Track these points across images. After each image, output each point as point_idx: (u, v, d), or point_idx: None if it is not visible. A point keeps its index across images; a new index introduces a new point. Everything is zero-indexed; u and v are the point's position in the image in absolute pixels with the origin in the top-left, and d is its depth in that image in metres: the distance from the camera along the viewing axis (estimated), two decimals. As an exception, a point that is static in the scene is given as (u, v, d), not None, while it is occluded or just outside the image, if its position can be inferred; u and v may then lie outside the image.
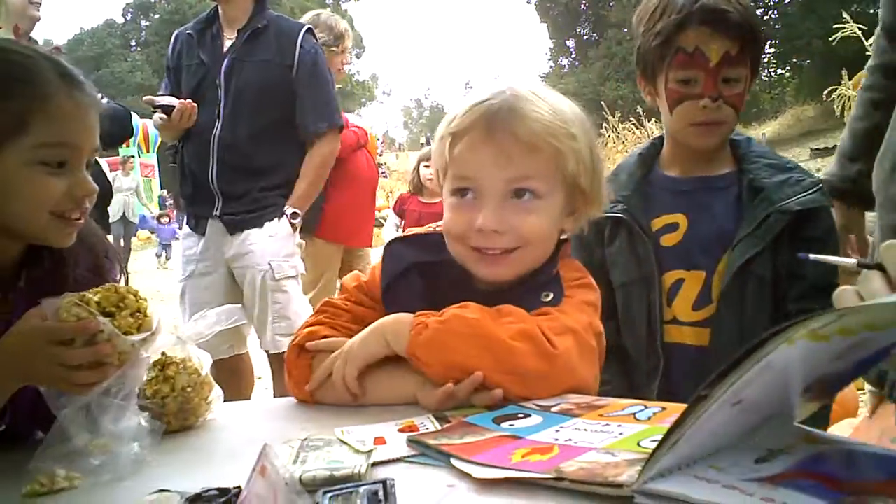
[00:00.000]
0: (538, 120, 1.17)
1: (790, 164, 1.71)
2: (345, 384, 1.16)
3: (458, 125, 1.20)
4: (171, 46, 3.23)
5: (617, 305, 1.74)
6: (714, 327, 1.63)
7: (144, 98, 3.06)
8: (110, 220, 11.26)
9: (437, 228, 1.33)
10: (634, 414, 0.95)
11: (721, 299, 1.63)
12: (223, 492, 0.81)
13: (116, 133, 3.21)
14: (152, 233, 19.30)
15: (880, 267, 0.82)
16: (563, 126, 1.19)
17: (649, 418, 0.93)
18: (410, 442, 0.94)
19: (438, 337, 1.10)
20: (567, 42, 47.10)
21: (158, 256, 16.05)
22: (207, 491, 0.81)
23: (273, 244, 3.03)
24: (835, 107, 6.27)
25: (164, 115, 2.96)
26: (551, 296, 1.21)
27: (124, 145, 8.14)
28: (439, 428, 1.01)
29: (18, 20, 3.01)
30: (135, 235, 16.67)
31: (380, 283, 1.31)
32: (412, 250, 1.31)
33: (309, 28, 3.15)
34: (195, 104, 2.97)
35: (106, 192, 3.28)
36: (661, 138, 1.82)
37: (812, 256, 1.12)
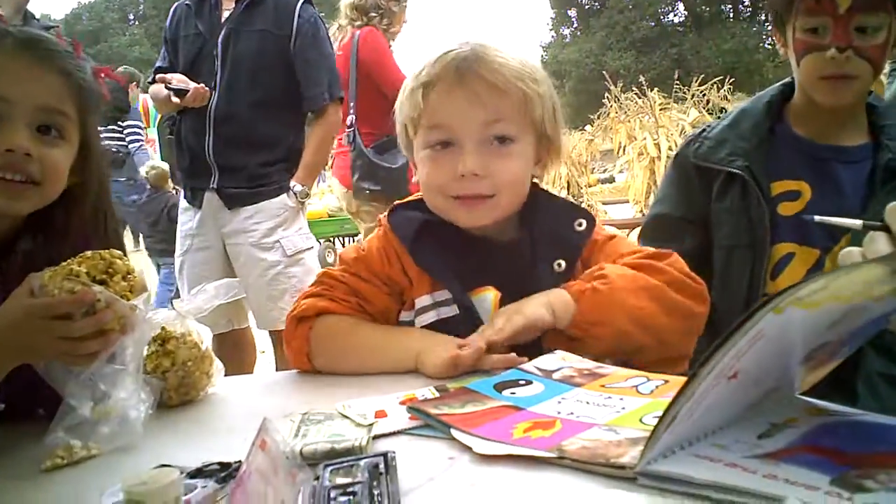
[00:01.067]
0: (504, 65, 1.21)
1: None
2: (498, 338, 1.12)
3: (428, 74, 1.22)
4: (169, 18, 3.19)
5: (714, 263, 1.62)
6: None
7: (158, 76, 3.02)
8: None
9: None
10: (637, 387, 0.94)
11: (810, 275, 1.47)
12: (224, 466, 0.81)
13: (110, 107, 3.18)
14: None
15: (885, 228, 0.81)
16: (529, 71, 1.23)
17: (651, 392, 0.92)
18: (411, 410, 0.94)
19: (611, 298, 1.12)
20: (568, 11, 46.68)
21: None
22: (208, 465, 0.81)
23: (280, 222, 3.01)
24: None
25: (177, 99, 2.94)
26: (584, 223, 1.25)
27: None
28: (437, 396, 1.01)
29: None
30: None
31: (383, 259, 1.30)
32: (417, 212, 1.30)
33: None
34: (207, 89, 2.94)
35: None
36: (791, 85, 1.62)
37: (817, 218, 1.09)
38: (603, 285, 1.13)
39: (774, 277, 1.55)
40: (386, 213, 1.34)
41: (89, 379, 1.01)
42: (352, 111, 3.73)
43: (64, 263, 1.02)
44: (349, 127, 3.71)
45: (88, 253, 1.05)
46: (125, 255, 1.08)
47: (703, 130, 1.71)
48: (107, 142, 7.09)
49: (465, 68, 1.20)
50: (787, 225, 1.55)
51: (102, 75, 1.24)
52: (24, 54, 1.09)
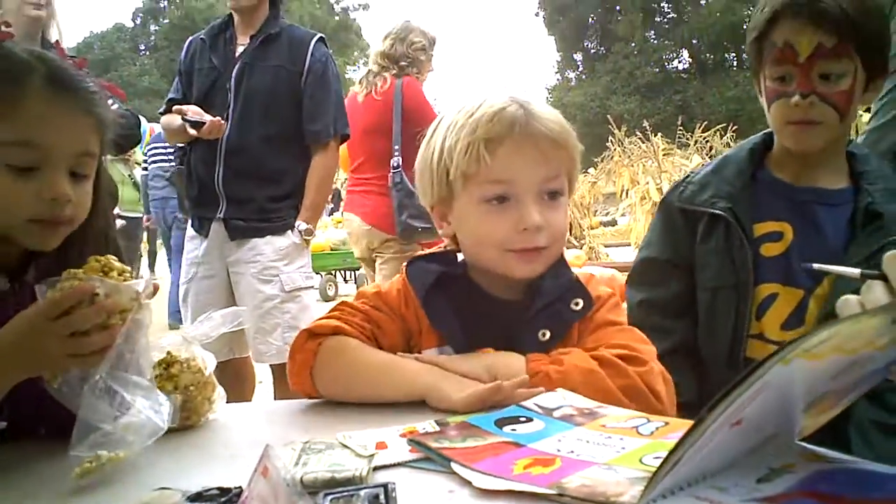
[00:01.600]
0: (555, 121, 1.25)
1: None
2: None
3: (491, 130, 1.22)
4: (183, 51, 3.25)
5: (698, 305, 1.65)
6: None
7: (175, 108, 3.06)
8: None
9: (446, 247, 1.38)
10: (637, 427, 0.94)
11: (817, 325, 1.45)
12: (224, 491, 0.81)
13: (124, 138, 3.21)
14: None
15: (883, 276, 0.82)
16: (568, 125, 1.28)
17: (652, 433, 0.92)
18: (412, 443, 0.94)
19: (557, 385, 1.11)
20: (574, 55, 47.26)
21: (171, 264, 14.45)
22: (208, 490, 0.82)
23: (282, 257, 3.04)
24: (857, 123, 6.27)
25: (193, 130, 2.97)
26: (581, 304, 1.26)
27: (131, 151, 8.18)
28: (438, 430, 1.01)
29: (12, 19, 2.98)
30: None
31: (401, 300, 1.32)
32: (434, 265, 1.32)
33: (321, 37, 3.17)
34: (224, 122, 2.98)
35: (112, 194, 3.27)
36: (772, 134, 1.66)
37: (815, 266, 1.10)
38: (556, 374, 1.13)
39: (759, 318, 1.57)
40: (406, 264, 1.36)
41: (106, 391, 1.01)
42: (397, 153, 3.80)
43: (66, 271, 1.03)
44: (395, 168, 3.78)
45: (88, 259, 1.06)
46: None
47: (688, 176, 1.76)
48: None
49: (527, 125, 1.22)
50: (770, 265, 1.58)
51: (111, 98, 1.25)
52: (56, 95, 1.10)
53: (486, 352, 1.22)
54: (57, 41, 3.01)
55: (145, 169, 8.46)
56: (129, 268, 1.08)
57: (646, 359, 1.18)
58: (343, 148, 4.11)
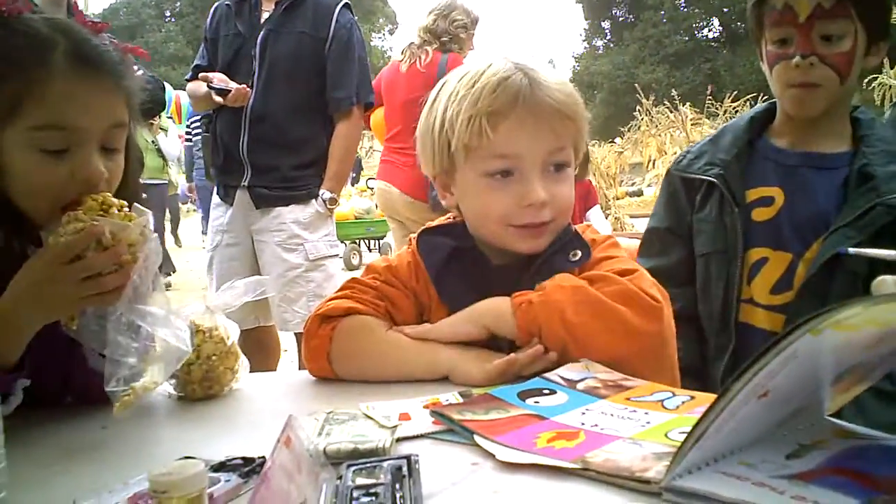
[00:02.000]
0: (561, 90, 1.21)
1: None
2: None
3: (493, 104, 1.17)
4: (209, 17, 3.23)
5: (696, 273, 1.67)
6: (790, 315, 1.52)
7: (200, 75, 3.06)
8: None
9: (455, 218, 1.34)
10: (662, 402, 0.93)
11: (803, 288, 1.52)
12: (247, 461, 0.81)
13: (149, 105, 3.21)
14: (183, 204, 18.71)
15: None
16: (575, 95, 1.24)
17: (677, 407, 0.91)
18: (434, 415, 0.94)
19: (547, 309, 1.10)
20: (602, 23, 46.69)
21: (205, 233, 13.61)
22: (231, 459, 0.82)
23: (306, 226, 3.04)
24: (875, 95, 6.15)
25: (219, 98, 2.97)
26: (579, 254, 1.23)
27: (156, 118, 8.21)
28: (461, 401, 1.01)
29: None
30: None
31: (412, 273, 1.30)
32: (446, 238, 1.30)
33: (346, 3, 3.13)
34: (249, 89, 2.97)
35: (140, 160, 3.28)
36: (776, 102, 1.68)
37: (852, 250, 1.09)
38: (539, 298, 1.12)
39: (750, 281, 1.60)
40: (416, 235, 1.33)
41: (128, 326, 1.03)
42: None
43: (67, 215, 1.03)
44: None
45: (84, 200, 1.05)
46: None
47: (690, 146, 1.81)
48: None
49: (531, 97, 1.18)
50: (760, 230, 1.60)
51: (135, 61, 1.22)
52: (82, 71, 1.06)
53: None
54: (75, 4, 2.99)
55: (189, 139, 8.56)
56: (125, 202, 1.07)
57: (635, 268, 1.19)
58: (379, 116, 4.15)
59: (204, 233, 11.13)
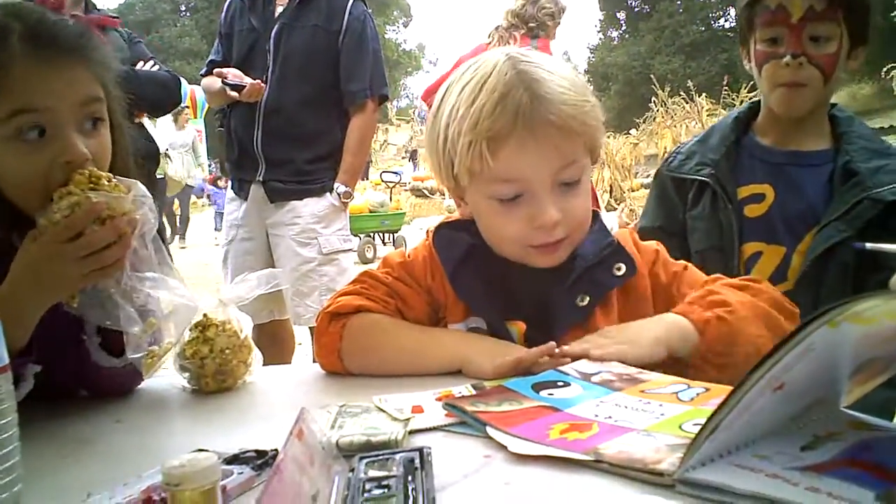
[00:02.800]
0: (566, 102, 1.13)
1: (892, 150, 1.64)
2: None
3: (493, 126, 1.11)
4: (223, 12, 3.24)
5: None
6: None
7: (215, 71, 3.07)
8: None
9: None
10: (677, 393, 0.93)
11: (798, 280, 1.58)
12: (260, 454, 0.81)
13: (164, 100, 3.22)
14: (198, 198, 18.56)
15: None
16: (586, 99, 1.16)
17: (692, 399, 0.90)
18: (447, 407, 0.93)
19: (735, 328, 1.10)
20: (617, 14, 46.38)
21: (218, 230, 11.53)
22: (245, 452, 0.82)
23: (320, 220, 3.04)
24: (893, 85, 6.09)
25: (234, 93, 2.98)
26: (623, 268, 1.21)
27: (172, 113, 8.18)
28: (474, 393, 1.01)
29: None
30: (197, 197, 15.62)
31: (427, 270, 1.27)
32: (464, 234, 1.26)
33: None
34: (263, 85, 2.98)
35: (152, 154, 3.30)
36: (759, 102, 1.76)
37: (868, 246, 1.11)
38: (728, 314, 1.10)
39: (746, 275, 1.60)
40: (433, 229, 1.31)
41: (127, 294, 1.05)
42: None
43: (56, 193, 1.02)
44: None
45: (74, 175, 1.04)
46: None
47: (678, 147, 1.88)
48: None
49: (531, 116, 1.11)
50: (753, 226, 1.67)
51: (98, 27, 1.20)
52: (41, 53, 1.04)
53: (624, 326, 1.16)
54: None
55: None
56: (111, 175, 1.06)
57: (755, 278, 1.25)
58: None
59: (217, 229, 10.95)
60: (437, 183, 1.33)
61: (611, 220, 5.16)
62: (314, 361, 1.32)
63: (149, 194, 1.08)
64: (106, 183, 1.04)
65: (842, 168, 1.60)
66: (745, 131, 1.75)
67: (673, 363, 1.09)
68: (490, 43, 4.11)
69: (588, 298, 1.19)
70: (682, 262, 1.31)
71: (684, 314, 1.12)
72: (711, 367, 1.08)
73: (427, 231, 1.33)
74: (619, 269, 1.21)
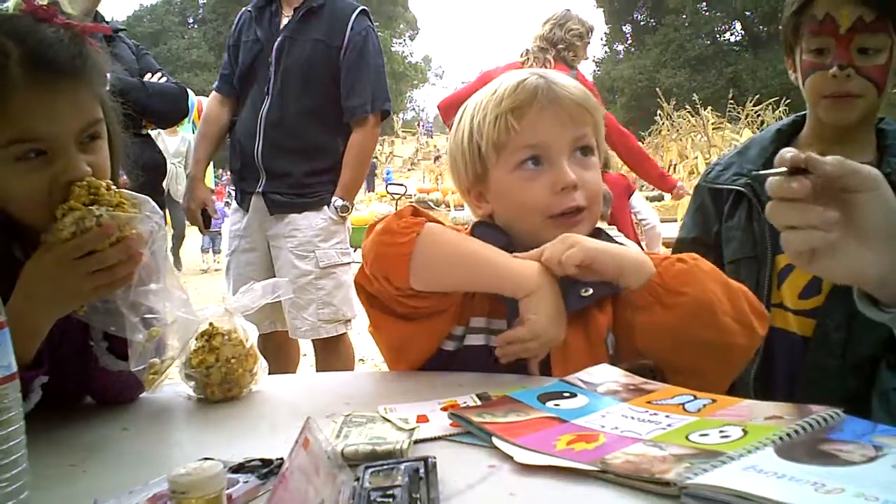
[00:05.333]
0: (576, 87, 1.30)
1: None
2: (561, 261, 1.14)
3: (516, 99, 1.26)
4: (234, 25, 3.26)
5: None
6: (820, 319, 1.54)
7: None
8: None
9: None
10: (683, 405, 0.92)
11: (831, 292, 1.54)
12: (266, 462, 0.81)
13: (172, 112, 3.24)
14: None
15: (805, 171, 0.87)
16: (592, 97, 1.32)
17: (699, 410, 0.90)
18: (453, 417, 0.93)
19: (691, 270, 1.14)
20: (623, 27, 46.59)
21: (205, 251, 11.04)
22: (250, 461, 0.82)
23: (318, 233, 3.04)
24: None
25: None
26: (591, 291, 1.21)
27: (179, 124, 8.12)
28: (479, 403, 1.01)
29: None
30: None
31: None
32: (499, 235, 1.29)
33: (363, 10, 3.14)
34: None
35: (159, 165, 3.31)
36: (804, 115, 1.70)
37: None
38: (690, 260, 1.16)
39: (779, 286, 1.61)
40: (470, 226, 1.35)
41: (132, 305, 1.05)
42: None
43: (59, 207, 1.02)
44: None
45: (73, 188, 1.04)
46: None
47: (718, 158, 1.85)
48: None
49: (549, 91, 1.26)
50: None
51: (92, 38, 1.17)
52: (40, 78, 1.02)
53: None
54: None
55: None
56: (111, 182, 1.06)
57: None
58: None
59: (204, 249, 10.24)
60: (461, 188, 1.37)
61: (649, 211, 5.17)
62: (318, 371, 1.32)
63: (159, 210, 1.09)
64: (105, 192, 1.04)
65: None
66: (786, 143, 1.70)
67: (623, 303, 1.19)
68: (525, 62, 4.18)
69: (591, 291, 1.21)
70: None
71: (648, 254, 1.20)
72: (660, 305, 1.11)
73: (464, 228, 1.35)
74: None
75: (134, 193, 1.08)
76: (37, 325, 1.01)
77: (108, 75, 1.16)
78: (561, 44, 4.17)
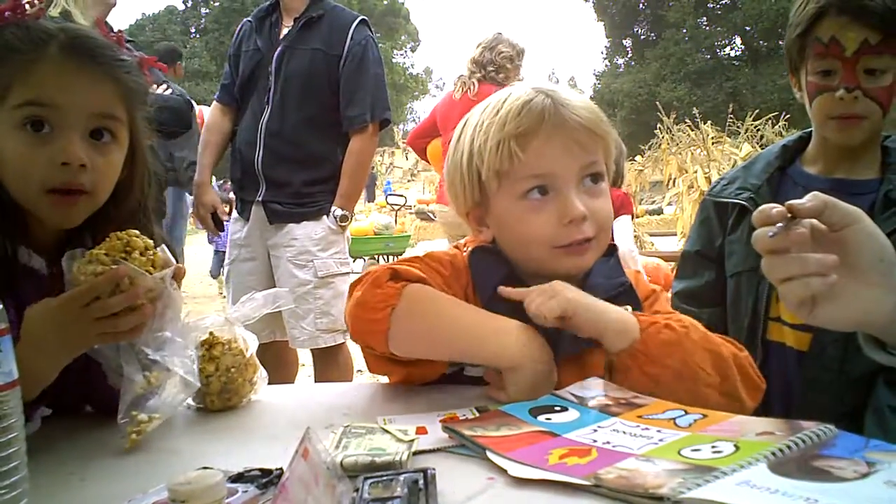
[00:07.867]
0: (586, 108, 1.21)
1: None
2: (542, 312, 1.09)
3: (520, 124, 1.17)
4: (235, 34, 3.28)
5: (726, 294, 1.70)
6: (817, 334, 1.53)
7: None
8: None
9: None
10: (675, 419, 0.93)
11: None
12: (265, 472, 0.82)
13: (176, 124, 3.24)
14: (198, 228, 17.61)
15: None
16: (600, 112, 1.24)
17: (690, 425, 0.91)
18: (447, 430, 0.94)
19: (678, 340, 1.09)
20: (624, 41, 46.71)
21: (214, 276, 9.84)
22: (250, 471, 0.83)
23: (317, 242, 3.06)
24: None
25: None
26: (629, 310, 1.16)
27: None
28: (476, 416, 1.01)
29: (95, 8, 3.02)
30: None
31: (461, 288, 1.25)
32: (498, 262, 1.26)
33: (363, 20, 3.15)
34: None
35: (160, 177, 3.32)
36: (810, 132, 1.70)
37: None
38: (679, 327, 1.10)
39: (778, 300, 1.60)
40: (468, 251, 1.30)
41: (135, 350, 1.06)
42: None
43: (89, 250, 1.05)
44: None
45: (110, 236, 1.07)
46: (161, 243, 1.11)
47: (724, 174, 1.86)
48: None
49: (556, 114, 1.18)
50: None
51: (163, 80, 1.24)
52: (72, 58, 1.08)
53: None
54: (98, 19, 3.04)
55: None
56: (151, 242, 1.08)
57: (738, 344, 1.19)
58: (436, 146, 4.50)
59: (214, 276, 9.86)
60: (460, 211, 1.31)
61: (626, 239, 5.11)
62: (317, 382, 1.32)
63: (174, 284, 1.09)
64: (138, 256, 1.06)
65: (883, 197, 1.55)
66: (791, 160, 1.72)
67: (603, 363, 1.10)
68: (454, 91, 4.37)
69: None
70: (672, 313, 1.27)
71: (636, 315, 1.13)
72: (639, 372, 1.06)
73: (457, 246, 1.32)
74: (626, 309, 1.17)
75: (165, 256, 1.09)
76: (44, 373, 1.02)
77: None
78: (490, 66, 4.32)
